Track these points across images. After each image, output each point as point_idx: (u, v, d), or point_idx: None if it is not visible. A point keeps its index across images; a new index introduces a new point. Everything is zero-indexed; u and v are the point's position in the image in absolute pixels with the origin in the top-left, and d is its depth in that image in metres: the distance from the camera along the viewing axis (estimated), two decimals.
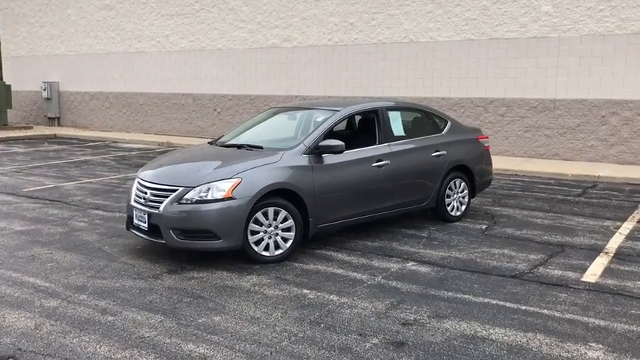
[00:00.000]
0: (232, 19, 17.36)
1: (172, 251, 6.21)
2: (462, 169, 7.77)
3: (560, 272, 5.69)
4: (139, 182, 6.25)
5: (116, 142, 17.98)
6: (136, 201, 6.13)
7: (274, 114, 7.58)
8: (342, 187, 6.40)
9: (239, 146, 6.70)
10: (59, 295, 5.05)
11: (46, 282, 5.39)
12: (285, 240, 5.98)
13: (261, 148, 6.49)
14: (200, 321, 4.51)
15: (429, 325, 4.43)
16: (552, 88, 12.93)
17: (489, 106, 13.69)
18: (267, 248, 5.91)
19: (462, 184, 7.78)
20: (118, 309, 4.75)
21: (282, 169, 5.98)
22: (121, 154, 15.15)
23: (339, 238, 6.85)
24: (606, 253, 6.36)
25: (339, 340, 4.17)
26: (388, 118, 7.15)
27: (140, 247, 6.52)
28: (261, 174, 5.85)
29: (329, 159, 6.34)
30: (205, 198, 5.62)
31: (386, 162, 6.81)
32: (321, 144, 6.23)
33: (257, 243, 5.86)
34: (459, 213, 7.76)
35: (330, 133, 6.53)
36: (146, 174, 6.25)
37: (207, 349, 4.02)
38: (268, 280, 5.43)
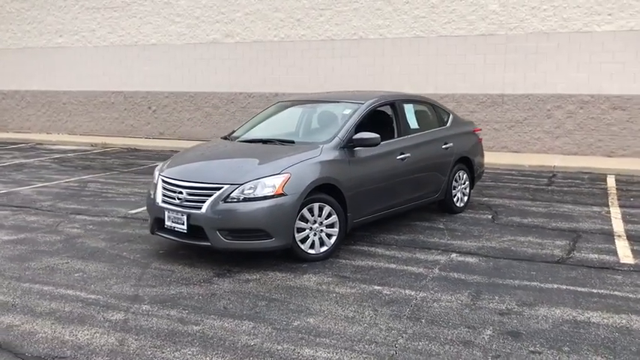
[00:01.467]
0: (168, 12, 16.64)
1: (204, 254, 5.84)
2: (465, 161, 7.92)
3: (596, 256, 5.93)
4: (165, 182, 5.83)
5: (41, 143, 16.69)
6: (165, 202, 5.71)
7: (285, 108, 7.35)
8: (374, 181, 6.33)
9: (265, 141, 6.43)
10: (117, 307, 4.60)
11: (90, 294, 4.90)
12: (329, 236, 5.82)
13: (293, 142, 6.27)
14: (295, 324, 4.27)
15: (525, 313, 4.46)
16: (500, 84, 13.50)
17: (439, 101, 14.04)
18: (312, 246, 5.71)
19: (465, 175, 7.93)
20: (195, 318, 4.40)
21: (324, 163, 5.81)
22: (57, 156, 14.09)
23: (363, 233, 6.74)
24: (619, 236, 6.71)
25: (452, 334, 4.10)
26: (404, 110, 7.15)
27: (163, 251, 6.08)
28: (307, 169, 5.65)
29: (361, 152, 6.23)
30: (253, 195, 5.34)
31: (407, 155, 6.79)
32: (354, 137, 6.11)
33: (302, 241, 5.66)
34: (462, 204, 7.90)
35: (360, 126, 6.41)
36: (174, 172, 5.84)
37: (328, 353, 3.81)
38: (330, 279, 5.25)
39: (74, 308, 4.58)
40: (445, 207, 7.74)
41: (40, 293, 4.91)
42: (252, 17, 15.65)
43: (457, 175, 7.76)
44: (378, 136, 6.12)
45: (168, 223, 5.65)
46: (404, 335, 4.07)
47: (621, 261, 5.76)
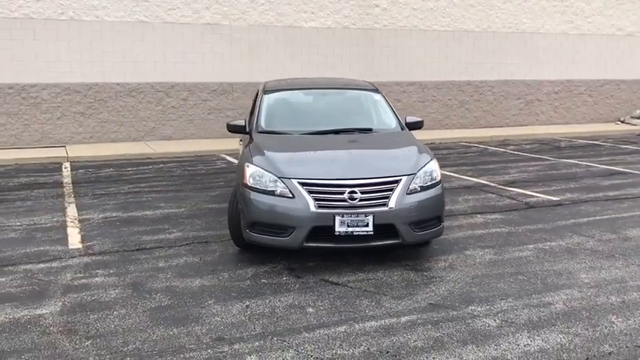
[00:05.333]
0: None
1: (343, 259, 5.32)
2: None
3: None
4: (316, 184, 5.07)
5: None
6: (329, 206, 4.98)
7: (285, 98, 6.93)
8: None
9: (338, 131, 6.14)
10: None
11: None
12: None
13: (371, 130, 6.19)
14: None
15: None
16: (229, 72, 14.05)
17: (171, 90, 13.65)
18: None
19: None
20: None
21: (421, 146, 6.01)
22: None
23: None
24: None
25: None
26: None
27: (316, 263, 5.19)
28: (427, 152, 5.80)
29: None
30: (428, 183, 5.30)
31: None
32: (408, 121, 6.44)
33: None
34: None
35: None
36: (320, 173, 5.18)
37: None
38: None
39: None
40: None
41: None
42: None
43: None
44: (422, 119, 6.61)
45: (341, 229, 4.94)
46: None
47: (71, 247, 5.98)
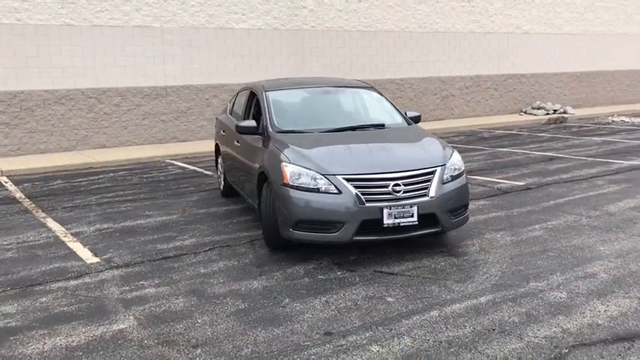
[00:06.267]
0: None
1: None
2: None
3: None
4: (360, 179, 5.21)
5: None
6: (377, 200, 5.12)
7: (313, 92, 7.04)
8: None
9: (354, 128, 6.26)
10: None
11: None
12: None
13: (384, 125, 6.36)
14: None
15: None
16: (162, 76, 13.66)
17: (102, 96, 13.03)
18: None
19: None
20: None
21: None
22: None
23: None
24: None
25: None
26: None
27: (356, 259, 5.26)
28: None
29: None
30: (454, 174, 5.58)
31: None
32: (410, 116, 6.73)
33: None
34: None
35: None
36: (362, 167, 5.33)
37: None
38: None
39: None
40: None
41: None
42: None
43: None
44: (420, 114, 6.90)
45: (389, 221, 5.10)
46: None
47: (88, 262, 5.66)
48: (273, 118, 6.36)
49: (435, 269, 5.16)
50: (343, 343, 3.82)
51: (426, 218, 5.28)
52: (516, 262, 5.28)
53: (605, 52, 21.52)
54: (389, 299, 4.53)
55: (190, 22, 13.81)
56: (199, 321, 4.24)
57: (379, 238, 5.27)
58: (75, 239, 6.48)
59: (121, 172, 10.75)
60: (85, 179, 10.17)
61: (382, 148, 5.80)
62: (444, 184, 5.42)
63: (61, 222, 7.23)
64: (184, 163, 11.65)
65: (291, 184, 5.32)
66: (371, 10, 16.35)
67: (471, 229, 6.30)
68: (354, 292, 4.70)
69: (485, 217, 6.80)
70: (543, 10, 19.74)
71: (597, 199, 7.56)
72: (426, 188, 5.31)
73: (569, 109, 19.21)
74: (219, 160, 8.48)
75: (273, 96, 6.71)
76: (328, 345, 3.80)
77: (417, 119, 6.78)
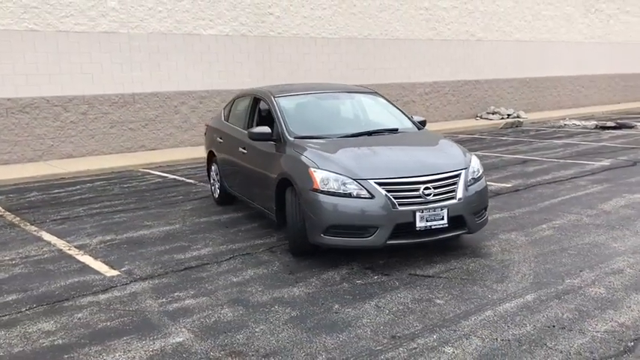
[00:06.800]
0: None
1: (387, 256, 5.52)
2: None
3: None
4: (392, 183, 5.24)
5: None
6: (409, 203, 5.16)
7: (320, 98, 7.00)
8: None
9: (370, 133, 6.28)
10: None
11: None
12: None
13: (397, 130, 6.43)
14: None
15: None
16: (130, 83, 13.30)
17: (69, 104, 12.57)
18: None
19: None
20: None
21: None
22: None
23: None
24: None
25: None
26: None
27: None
28: None
29: None
30: (475, 177, 5.70)
31: None
32: (418, 120, 6.85)
33: None
34: None
35: None
36: (391, 172, 5.35)
37: None
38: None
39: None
40: None
41: None
42: None
43: None
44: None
45: (421, 225, 5.15)
46: None
47: (108, 275, 5.25)
48: (288, 124, 6.31)
49: (469, 270, 5.24)
50: (414, 345, 3.84)
51: (455, 220, 5.36)
52: (542, 260, 5.43)
53: (551, 59, 22.45)
54: (438, 301, 4.57)
55: (158, 28, 13.52)
56: (257, 330, 4.15)
57: (411, 241, 5.31)
58: (82, 252, 6.22)
59: (98, 183, 10.39)
60: (62, 190, 9.77)
61: (406, 153, 5.86)
62: (468, 186, 5.52)
63: (58, 235, 6.93)
64: (161, 172, 11.37)
65: (321, 189, 5.29)
66: (335, 18, 16.47)
67: (483, 231, 6.42)
68: (399, 295, 4.72)
69: (491, 219, 6.95)
70: (495, 18, 20.42)
71: (588, 198, 7.86)
72: (453, 191, 5.40)
73: (522, 114, 19.93)
74: (213, 167, 8.33)
75: (283, 102, 6.66)
76: (401, 349, 3.80)
77: (424, 124, 6.88)
